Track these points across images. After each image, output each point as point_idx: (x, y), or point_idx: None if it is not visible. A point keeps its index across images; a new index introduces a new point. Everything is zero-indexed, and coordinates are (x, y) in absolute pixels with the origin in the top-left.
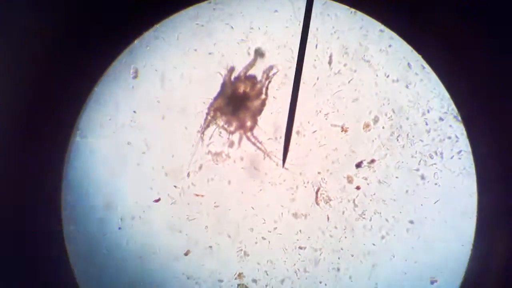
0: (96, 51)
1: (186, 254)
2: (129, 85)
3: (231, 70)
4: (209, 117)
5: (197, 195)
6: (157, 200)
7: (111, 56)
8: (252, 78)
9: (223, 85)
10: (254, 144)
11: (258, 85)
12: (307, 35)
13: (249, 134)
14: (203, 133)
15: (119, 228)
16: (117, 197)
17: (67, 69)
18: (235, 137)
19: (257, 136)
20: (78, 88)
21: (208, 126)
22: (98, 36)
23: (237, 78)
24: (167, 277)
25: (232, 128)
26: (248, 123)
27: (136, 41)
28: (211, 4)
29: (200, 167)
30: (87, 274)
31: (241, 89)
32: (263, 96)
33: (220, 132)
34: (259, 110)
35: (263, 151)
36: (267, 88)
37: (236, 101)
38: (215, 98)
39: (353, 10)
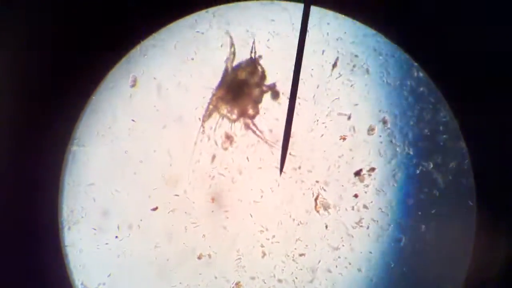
0: (93, 59)
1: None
2: (127, 94)
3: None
4: (211, 106)
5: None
6: (155, 209)
7: (109, 65)
8: (252, 64)
9: (224, 74)
10: (254, 132)
11: (259, 71)
12: (303, 43)
13: (250, 122)
14: (203, 121)
15: (116, 237)
16: (115, 206)
17: (64, 77)
18: (237, 125)
19: (257, 125)
20: (76, 96)
21: (210, 115)
22: (96, 44)
23: (238, 66)
24: (165, 286)
25: (234, 116)
26: (250, 111)
27: (134, 50)
28: (209, 13)
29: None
30: (84, 282)
31: (242, 76)
32: (262, 84)
33: (220, 126)
34: (260, 98)
35: (263, 139)
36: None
37: (237, 88)
38: (217, 87)
39: (350, 19)
